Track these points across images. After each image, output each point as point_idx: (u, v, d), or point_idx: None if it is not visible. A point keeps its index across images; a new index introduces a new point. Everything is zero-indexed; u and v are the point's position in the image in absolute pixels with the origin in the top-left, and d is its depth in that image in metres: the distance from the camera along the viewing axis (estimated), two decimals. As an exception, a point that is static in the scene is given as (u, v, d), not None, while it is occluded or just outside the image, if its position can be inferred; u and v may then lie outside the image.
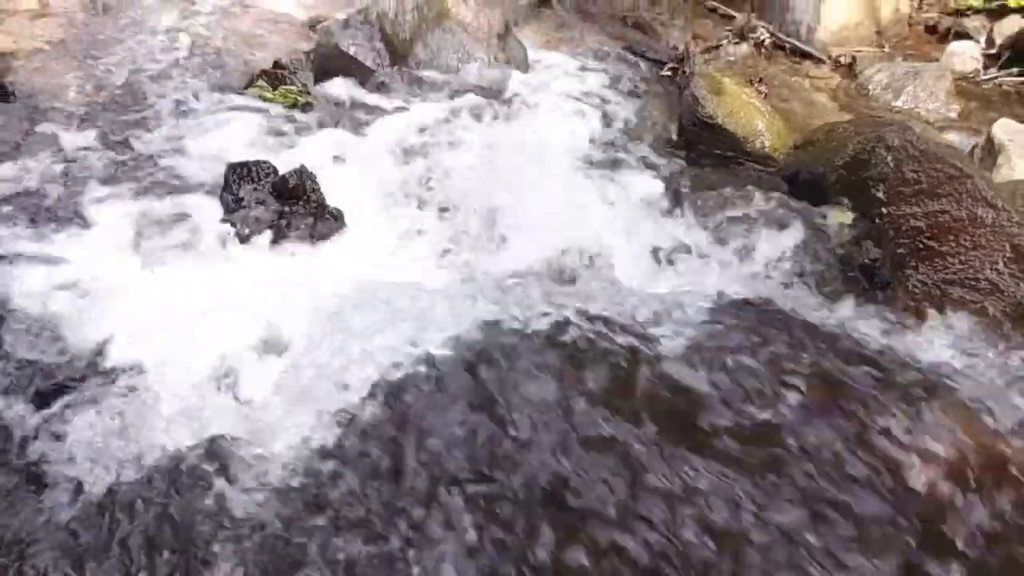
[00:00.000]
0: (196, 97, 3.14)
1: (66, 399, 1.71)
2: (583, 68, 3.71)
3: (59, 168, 2.61)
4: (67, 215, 2.38)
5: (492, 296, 1.87)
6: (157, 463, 1.55)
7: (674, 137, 3.11)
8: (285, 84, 3.18)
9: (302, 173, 2.39)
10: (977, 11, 4.26)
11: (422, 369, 1.70)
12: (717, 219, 2.38)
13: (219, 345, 1.89)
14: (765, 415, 1.50)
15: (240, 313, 1.99)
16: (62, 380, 1.78)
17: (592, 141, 2.96)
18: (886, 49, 4.12)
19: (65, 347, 1.87)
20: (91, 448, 1.60)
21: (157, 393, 1.76)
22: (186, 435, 1.63)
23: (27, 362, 1.80)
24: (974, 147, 2.93)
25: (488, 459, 1.50)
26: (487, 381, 1.66)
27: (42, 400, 1.71)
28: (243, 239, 2.28)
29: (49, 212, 2.39)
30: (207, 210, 2.42)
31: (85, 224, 2.36)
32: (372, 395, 1.65)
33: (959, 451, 1.44)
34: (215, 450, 1.55)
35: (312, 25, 3.98)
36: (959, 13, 4.30)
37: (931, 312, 1.82)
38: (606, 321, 1.72)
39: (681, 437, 1.49)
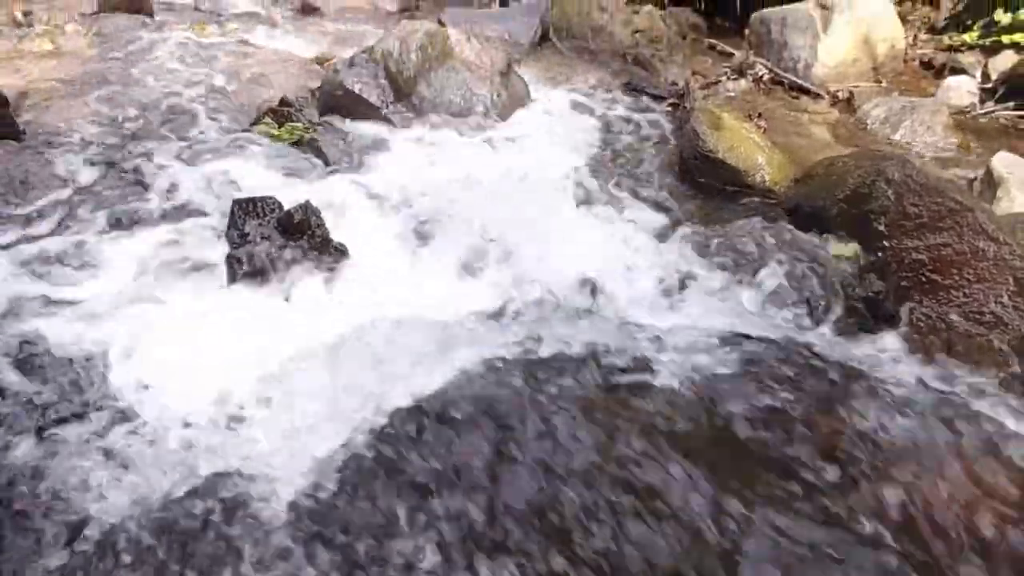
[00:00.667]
0: (203, 135, 3.19)
1: (65, 435, 1.70)
2: (585, 104, 3.78)
3: (67, 204, 2.64)
4: (73, 251, 2.40)
5: (496, 330, 1.88)
6: (156, 501, 1.53)
7: (675, 171, 3.14)
8: (291, 121, 3.23)
9: (307, 208, 2.41)
10: (971, 47, 4.34)
11: (428, 403, 1.70)
12: (719, 252, 2.38)
13: (223, 380, 1.89)
14: (770, 451, 1.49)
15: (244, 348, 2.00)
16: (62, 416, 1.77)
17: (594, 175, 2.99)
18: (883, 84, 4.18)
19: (67, 383, 1.87)
20: (89, 486, 1.58)
21: (159, 429, 1.75)
22: (187, 473, 1.62)
23: (26, 397, 1.80)
24: (973, 180, 2.95)
25: (494, 490, 1.49)
26: (491, 415, 1.65)
27: (40, 436, 1.70)
28: (247, 275, 2.29)
29: (56, 248, 2.40)
30: (213, 246, 2.44)
31: (91, 260, 2.38)
32: (375, 431, 1.65)
33: (970, 489, 1.42)
34: (215, 488, 1.53)
35: (318, 64, 4.07)
36: (953, 49, 4.38)
37: (937, 346, 1.81)
38: (610, 355, 1.72)
39: (687, 470, 1.47)
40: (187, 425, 1.75)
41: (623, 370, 1.76)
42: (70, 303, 2.12)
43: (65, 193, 2.70)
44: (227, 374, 1.91)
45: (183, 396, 1.84)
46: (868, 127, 3.64)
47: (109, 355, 1.95)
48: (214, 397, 1.84)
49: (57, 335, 1.98)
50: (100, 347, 1.96)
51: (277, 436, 1.72)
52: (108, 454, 1.64)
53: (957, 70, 4.21)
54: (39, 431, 1.71)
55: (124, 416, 1.76)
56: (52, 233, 2.47)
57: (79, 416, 1.77)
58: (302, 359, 1.95)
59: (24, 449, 1.65)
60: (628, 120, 3.64)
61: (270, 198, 2.53)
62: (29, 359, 1.87)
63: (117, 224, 2.54)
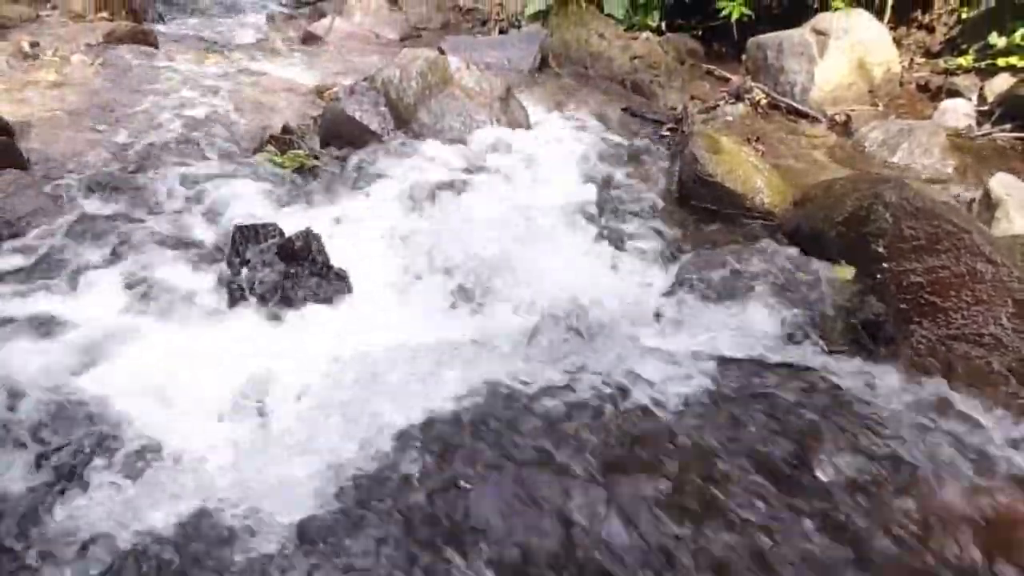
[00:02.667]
0: (206, 162, 3.22)
1: (58, 463, 1.69)
2: (584, 129, 3.81)
3: (70, 231, 2.66)
4: (77, 279, 2.41)
5: (497, 356, 1.87)
6: (147, 533, 1.51)
7: (675, 195, 3.16)
8: (293, 148, 3.26)
9: (308, 235, 2.43)
10: (967, 70, 4.38)
11: (429, 430, 1.69)
12: (720, 275, 2.38)
13: (220, 406, 1.89)
14: (774, 478, 1.48)
15: (245, 376, 1.99)
16: (55, 444, 1.76)
17: (594, 200, 3.00)
18: (880, 108, 4.21)
19: (60, 411, 1.86)
20: (93, 519, 1.57)
21: (152, 457, 1.74)
22: (180, 503, 1.60)
23: (19, 426, 1.79)
24: (972, 201, 2.96)
25: (494, 517, 1.48)
26: (491, 443, 1.65)
27: (43, 469, 1.69)
28: (247, 300, 2.30)
29: (56, 275, 2.41)
30: (214, 272, 2.45)
31: (94, 287, 2.39)
32: (375, 459, 1.64)
33: (972, 512, 1.40)
34: (207, 519, 1.52)
35: (320, 92, 4.12)
36: (949, 72, 4.42)
37: (937, 368, 1.81)
38: (611, 380, 1.71)
39: (690, 499, 1.46)
40: (182, 454, 1.73)
41: (625, 395, 1.76)
42: (68, 329, 2.12)
43: (68, 220, 2.72)
44: (225, 400, 1.91)
45: (179, 423, 1.83)
46: (866, 150, 3.67)
47: (106, 382, 1.95)
48: (211, 423, 1.84)
49: (54, 361, 1.98)
50: (96, 373, 1.96)
51: (273, 465, 1.70)
52: (101, 484, 1.63)
53: (953, 93, 4.25)
54: (35, 460, 1.70)
55: (118, 445, 1.75)
56: (54, 259, 2.48)
57: (72, 444, 1.76)
58: (301, 385, 1.94)
59: (16, 479, 1.63)
60: (627, 145, 3.67)
61: (271, 224, 2.55)
62: (24, 386, 1.87)
63: (118, 250, 2.55)
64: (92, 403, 1.87)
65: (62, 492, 1.60)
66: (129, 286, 2.37)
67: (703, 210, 2.99)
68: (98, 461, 1.68)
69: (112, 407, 1.86)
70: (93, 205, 2.83)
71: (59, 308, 2.23)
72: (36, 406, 1.84)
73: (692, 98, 4.47)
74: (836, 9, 4.58)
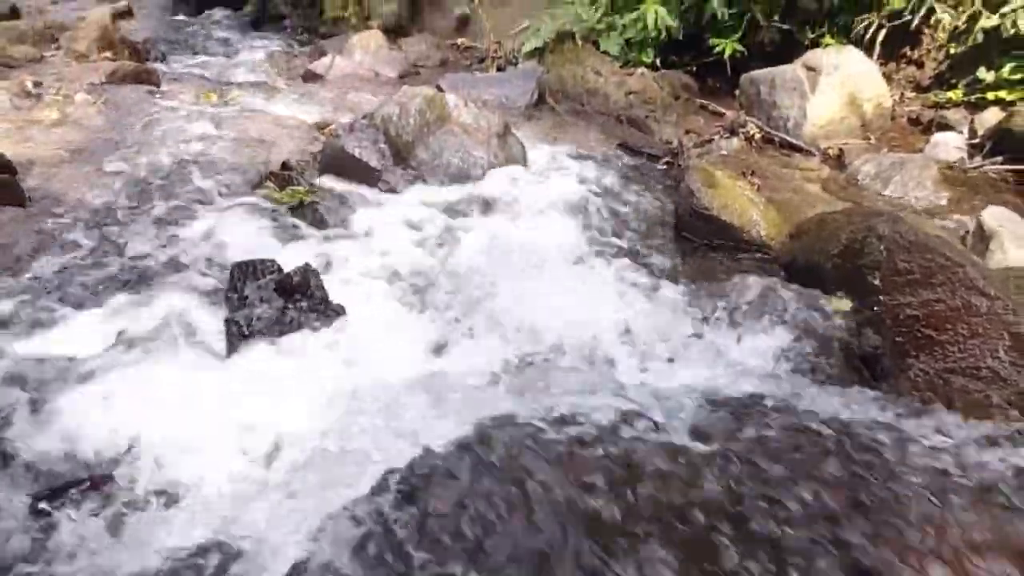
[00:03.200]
0: (206, 198, 3.25)
1: (64, 502, 1.68)
2: (581, 164, 3.85)
3: (69, 268, 2.67)
4: (73, 316, 2.41)
5: (494, 392, 1.87)
6: (153, 570, 1.50)
7: (672, 228, 3.18)
8: (293, 184, 3.29)
9: (306, 270, 2.44)
10: (957, 104, 4.45)
11: (426, 467, 1.68)
12: (717, 308, 2.39)
13: (220, 445, 1.88)
14: (771, 516, 1.46)
15: (243, 412, 1.99)
16: (61, 482, 1.76)
17: (591, 234, 3.03)
18: (872, 141, 4.27)
19: (58, 450, 1.85)
20: (87, 553, 1.55)
21: (154, 497, 1.74)
22: (185, 539, 1.59)
23: (18, 466, 1.78)
24: (965, 234, 2.99)
25: (490, 554, 1.46)
26: (490, 476, 1.63)
27: (39, 503, 1.68)
28: (246, 337, 2.30)
29: (55, 313, 2.42)
30: (213, 309, 2.46)
31: (91, 325, 2.39)
32: (377, 495, 1.62)
33: (977, 550, 1.39)
34: (210, 559, 1.50)
35: (320, 129, 4.17)
36: (939, 106, 4.49)
37: (936, 402, 1.80)
38: (608, 417, 1.70)
39: (685, 540, 1.44)
40: (183, 492, 1.72)
41: (624, 431, 1.74)
42: (67, 367, 2.12)
43: (66, 258, 2.73)
44: (225, 439, 1.90)
45: (179, 463, 1.82)
46: (859, 183, 3.71)
47: (105, 421, 1.94)
48: (209, 461, 1.82)
49: (52, 400, 1.97)
50: (95, 413, 1.95)
51: (274, 503, 1.69)
52: (100, 524, 1.61)
53: (944, 126, 4.31)
54: (32, 501, 1.69)
55: (120, 484, 1.74)
56: (51, 297, 2.49)
57: (71, 485, 1.75)
58: (301, 422, 1.94)
59: (14, 520, 1.62)
60: (624, 179, 3.70)
61: (269, 260, 2.56)
62: (22, 426, 1.86)
63: (118, 287, 2.56)
64: (90, 442, 1.86)
65: (57, 529, 1.58)
66: (127, 323, 2.37)
67: (700, 243, 3.01)
68: (95, 500, 1.67)
69: (111, 446, 1.85)
70: (92, 242, 2.85)
71: (56, 347, 2.23)
72: (33, 446, 1.83)
73: (687, 132, 4.53)
74: (826, 46, 4.68)
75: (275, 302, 2.41)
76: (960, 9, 4.41)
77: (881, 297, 2.14)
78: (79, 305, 2.45)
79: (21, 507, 1.66)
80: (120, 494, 1.72)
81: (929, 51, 4.68)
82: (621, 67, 5.32)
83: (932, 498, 1.55)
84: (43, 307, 2.43)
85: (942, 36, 4.53)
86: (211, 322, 2.39)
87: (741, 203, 3.07)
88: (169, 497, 1.73)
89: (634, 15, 5.19)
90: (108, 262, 2.73)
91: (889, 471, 1.63)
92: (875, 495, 1.56)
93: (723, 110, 4.81)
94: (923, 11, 4.42)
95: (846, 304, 2.34)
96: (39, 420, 1.91)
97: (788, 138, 4.25)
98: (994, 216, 2.88)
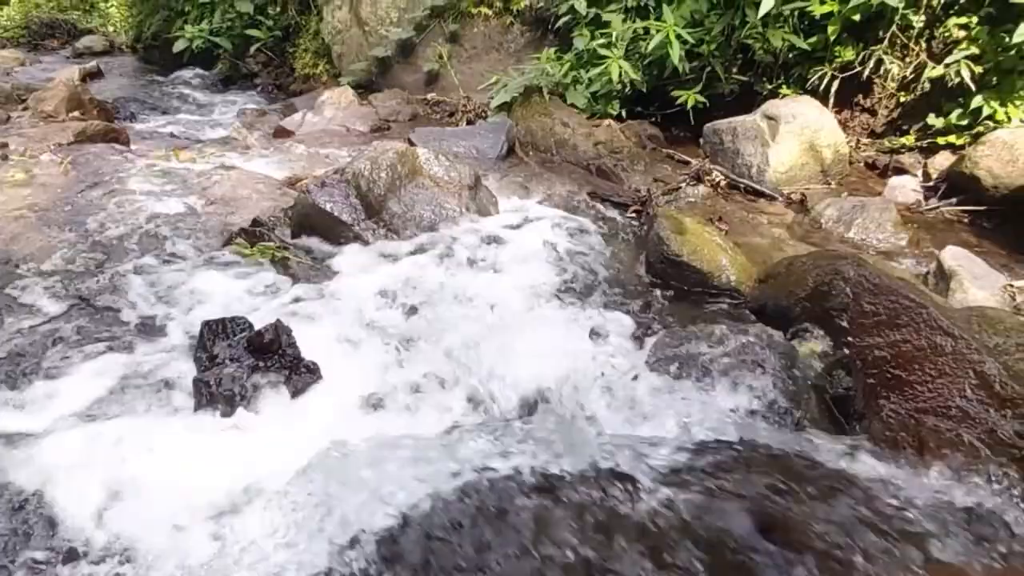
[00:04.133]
0: (175, 258, 3.22)
1: (15, 571, 1.61)
2: (552, 213, 3.89)
3: (34, 332, 2.61)
4: (38, 380, 2.35)
5: (469, 447, 1.84)
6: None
7: (642, 275, 3.22)
8: (264, 241, 3.28)
9: (277, 328, 2.41)
10: (911, 148, 4.64)
11: (401, 531, 1.64)
12: (689, 354, 2.40)
13: (192, 512, 1.82)
14: (747, 566, 1.45)
15: (213, 476, 1.93)
16: (29, 557, 1.68)
17: (562, 282, 3.05)
18: (832, 186, 4.41)
19: (18, 516, 1.78)
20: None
21: (115, 566, 1.67)
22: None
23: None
24: (926, 274, 3.07)
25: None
26: (467, 538, 1.60)
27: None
28: (215, 398, 2.25)
29: (18, 381, 2.35)
30: (181, 369, 2.41)
31: (56, 389, 2.32)
32: (349, 563, 1.57)
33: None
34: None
35: (291, 184, 4.18)
36: (894, 151, 4.67)
37: (909, 442, 1.82)
38: (586, 470, 1.69)
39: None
40: (148, 558, 1.66)
41: (601, 484, 1.73)
42: (30, 438, 2.05)
43: (31, 322, 2.67)
44: (194, 503, 1.85)
45: (144, 530, 1.76)
46: (823, 226, 3.81)
47: (67, 487, 1.87)
48: (179, 526, 1.76)
49: (15, 469, 1.90)
50: (58, 478, 1.89)
51: (241, 571, 1.63)
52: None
53: (900, 170, 4.48)
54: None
55: (77, 552, 1.66)
56: (12, 364, 2.42)
57: (31, 551, 1.68)
58: (272, 485, 1.88)
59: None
60: (594, 227, 3.75)
61: (240, 318, 2.53)
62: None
63: (83, 351, 2.50)
64: (59, 511, 1.80)
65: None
66: (94, 389, 2.31)
67: (671, 289, 3.04)
68: (67, 568, 1.60)
69: (80, 513, 1.79)
70: (54, 304, 2.79)
71: (18, 417, 2.16)
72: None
73: (655, 181, 4.63)
74: (784, 96, 4.86)
75: (246, 361, 2.37)
76: (907, 60, 4.63)
77: (850, 339, 2.18)
78: (40, 372, 2.39)
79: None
80: (69, 560, 1.66)
81: (881, 99, 4.89)
82: (588, 119, 5.46)
83: (908, 544, 1.55)
84: (5, 373, 2.36)
85: (891, 85, 4.74)
86: (179, 384, 2.34)
87: (710, 249, 3.12)
88: (131, 566, 1.67)
89: (599, 69, 5.35)
90: (71, 324, 2.67)
91: (866, 516, 1.63)
92: (851, 543, 1.55)
93: (688, 158, 4.94)
94: (872, 62, 4.62)
95: (817, 346, 2.37)
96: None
97: (753, 184, 4.37)
98: (953, 256, 2.97)
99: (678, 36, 4.96)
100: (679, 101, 5.25)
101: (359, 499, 1.75)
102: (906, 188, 4.22)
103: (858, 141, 4.93)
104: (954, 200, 3.99)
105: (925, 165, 4.36)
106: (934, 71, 4.44)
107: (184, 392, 2.30)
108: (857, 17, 4.47)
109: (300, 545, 1.67)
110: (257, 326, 2.46)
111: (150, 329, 2.69)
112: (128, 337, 2.62)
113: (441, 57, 7.04)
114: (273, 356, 2.36)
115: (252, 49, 9.04)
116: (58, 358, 2.47)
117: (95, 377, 2.37)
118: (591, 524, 1.58)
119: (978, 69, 4.23)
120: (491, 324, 2.56)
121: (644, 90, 5.56)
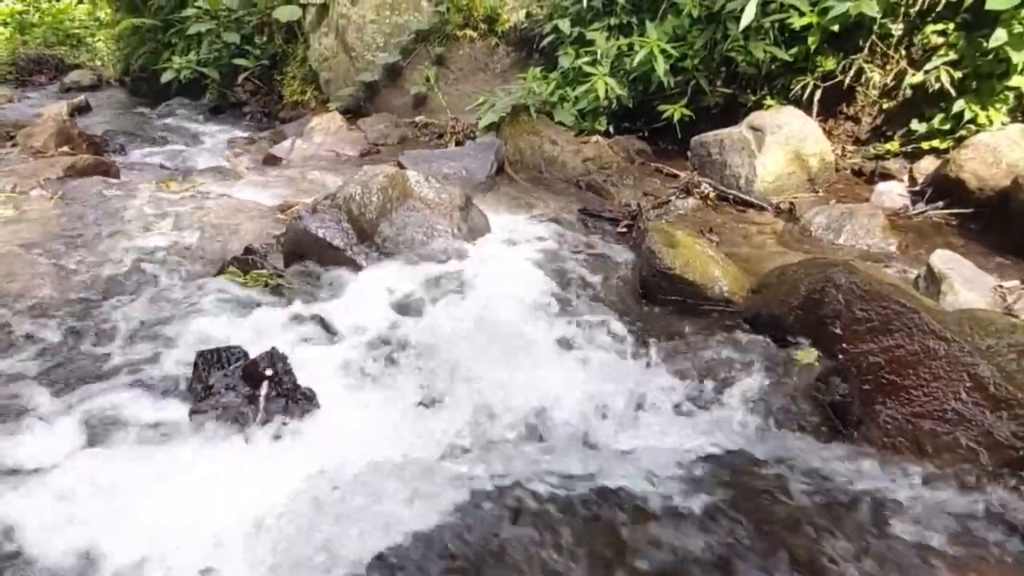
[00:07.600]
0: (168, 288, 3.21)
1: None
2: (543, 230, 3.91)
3: (25, 367, 2.59)
4: (32, 414, 2.32)
5: (468, 469, 1.84)
6: None
7: (636, 289, 3.23)
8: (256, 268, 3.27)
9: (272, 356, 2.40)
10: (895, 154, 4.69)
11: (403, 553, 1.63)
12: (685, 366, 2.41)
13: (193, 543, 1.80)
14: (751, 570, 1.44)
15: (212, 508, 1.91)
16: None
17: (556, 299, 3.05)
18: (820, 194, 4.45)
19: (26, 558, 1.76)
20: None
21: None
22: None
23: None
24: (917, 277, 3.09)
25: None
26: (468, 561, 1.59)
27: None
28: (213, 428, 2.23)
29: (12, 416, 2.33)
30: (176, 400, 2.39)
31: (50, 423, 2.30)
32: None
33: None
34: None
35: (282, 211, 4.19)
36: (879, 157, 4.72)
37: (907, 447, 1.82)
38: (587, 488, 1.68)
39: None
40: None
41: (593, 496, 1.72)
42: (28, 475, 2.03)
43: (23, 356, 2.65)
44: (193, 534, 1.83)
45: (137, 564, 1.74)
46: (812, 234, 3.83)
47: (62, 520, 1.85)
48: (179, 559, 1.74)
49: (13, 509, 1.88)
50: (51, 513, 1.86)
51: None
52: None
53: (886, 176, 4.53)
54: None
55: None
56: (6, 399, 2.40)
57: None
58: (271, 514, 1.87)
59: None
60: (586, 243, 3.77)
61: (235, 347, 2.52)
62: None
63: (77, 384, 2.49)
64: (58, 548, 1.78)
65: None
66: (88, 423, 2.29)
67: (665, 303, 3.05)
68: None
69: (79, 548, 1.77)
70: (46, 337, 2.78)
71: (14, 452, 2.13)
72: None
73: (645, 195, 4.66)
74: (768, 107, 4.92)
75: (242, 390, 2.36)
76: (888, 68, 4.70)
77: (844, 345, 2.18)
78: (34, 407, 2.37)
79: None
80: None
81: (864, 107, 4.95)
82: (576, 136, 5.50)
83: (912, 548, 1.55)
84: (-3, 410, 2.35)
85: (874, 93, 4.80)
86: (175, 416, 2.32)
87: (702, 260, 3.14)
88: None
89: (585, 87, 5.40)
90: (64, 357, 2.66)
91: (867, 520, 1.63)
92: (854, 547, 1.55)
93: (677, 172, 4.98)
94: (853, 71, 4.69)
95: (812, 354, 2.38)
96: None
97: (742, 195, 4.40)
98: (942, 259, 2.99)
99: (662, 51, 5.02)
100: (665, 115, 5.30)
101: (356, 526, 1.74)
102: (893, 193, 4.26)
103: (843, 149, 4.98)
104: (940, 204, 4.02)
105: (910, 170, 4.40)
106: (915, 78, 4.51)
107: (178, 424, 2.29)
108: (836, 28, 4.54)
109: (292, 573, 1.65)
110: (252, 354, 2.46)
111: (142, 362, 2.67)
112: (119, 371, 2.60)
113: (428, 80, 7.10)
114: (269, 384, 2.35)
115: (240, 78, 9.09)
116: (48, 394, 2.45)
117: (87, 410, 2.35)
118: (590, 545, 1.57)
119: (957, 74, 4.30)
120: (486, 344, 2.55)
121: (631, 105, 5.61)
